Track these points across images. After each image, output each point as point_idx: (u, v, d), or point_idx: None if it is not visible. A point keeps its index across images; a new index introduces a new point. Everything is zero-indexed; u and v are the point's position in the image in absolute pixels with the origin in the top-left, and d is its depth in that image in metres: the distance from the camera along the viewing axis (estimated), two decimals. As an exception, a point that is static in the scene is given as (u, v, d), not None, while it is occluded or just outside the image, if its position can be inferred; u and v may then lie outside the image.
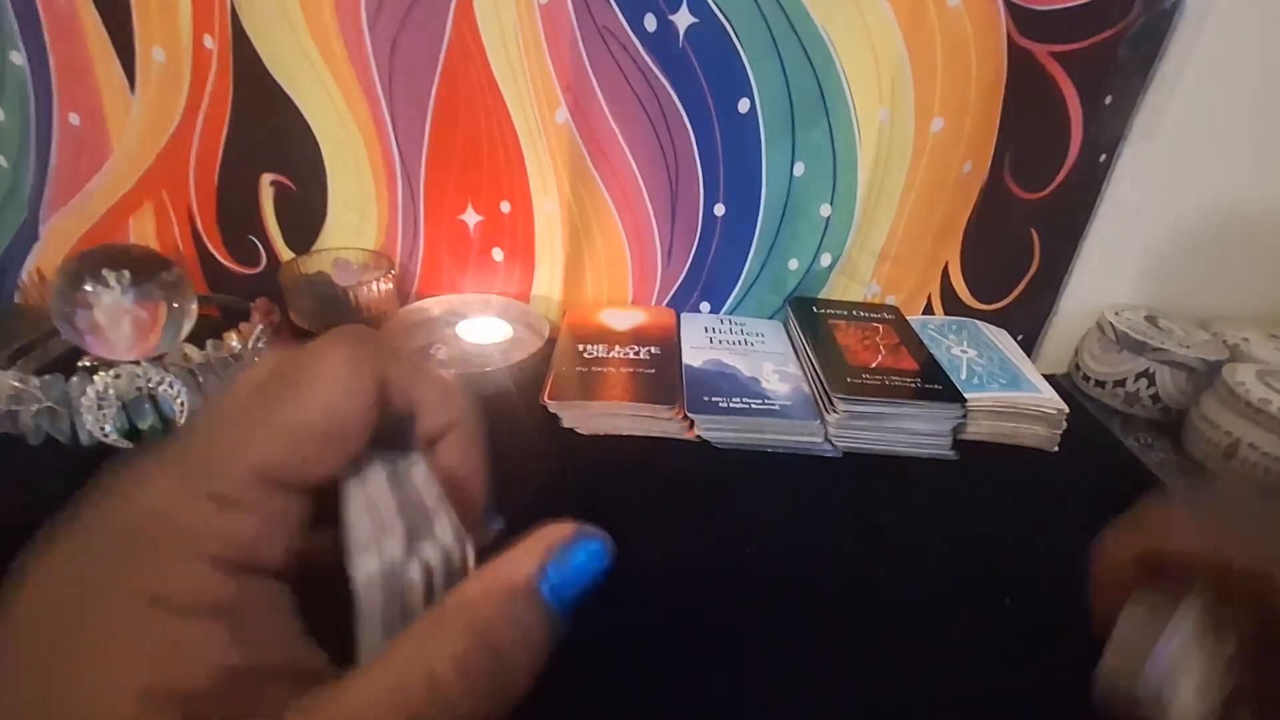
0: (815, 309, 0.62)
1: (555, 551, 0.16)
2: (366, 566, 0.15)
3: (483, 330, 0.58)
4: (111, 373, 0.44)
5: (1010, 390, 0.53)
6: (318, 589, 0.16)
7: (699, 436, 0.50)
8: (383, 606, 0.16)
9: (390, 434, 0.18)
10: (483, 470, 0.19)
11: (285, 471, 0.15)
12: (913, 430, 0.50)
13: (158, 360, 0.47)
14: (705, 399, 0.51)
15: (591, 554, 0.17)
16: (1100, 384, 0.62)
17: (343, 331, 0.17)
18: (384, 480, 0.17)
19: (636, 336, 0.58)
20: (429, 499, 0.17)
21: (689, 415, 0.50)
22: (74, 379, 0.44)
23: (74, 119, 0.54)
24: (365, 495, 0.17)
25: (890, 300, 0.65)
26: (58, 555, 0.15)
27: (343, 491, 0.17)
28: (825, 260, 0.62)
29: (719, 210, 0.59)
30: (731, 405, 0.50)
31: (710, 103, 0.54)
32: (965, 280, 0.64)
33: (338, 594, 0.16)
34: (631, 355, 0.55)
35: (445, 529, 0.17)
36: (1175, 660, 0.20)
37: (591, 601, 0.17)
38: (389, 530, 0.16)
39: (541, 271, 0.62)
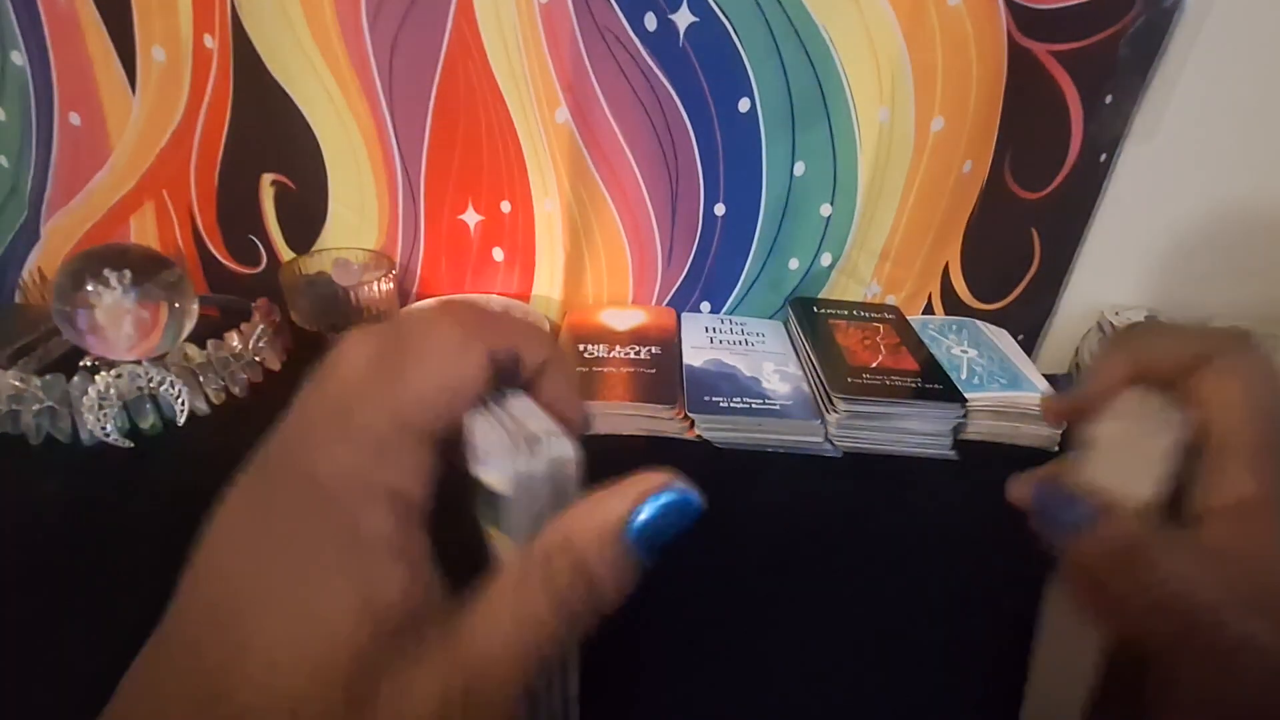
0: (815, 309, 0.62)
1: (647, 498, 0.18)
2: (503, 471, 0.18)
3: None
4: (112, 372, 0.44)
5: (1010, 390, 0.53)
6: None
7: (699, 436, 0.50)
8: (523, 505, 0.19)
9: (499, 378, 0.21)
10: (577, 389, 0.23)
11: (419, 423, 0.18)
12: (913, 430, 0.50)
13: (159, 360, 0.47)
14: (705, 399, 0.51)
15: (680, 503, 0.18)
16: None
17: (449, 305, 0.20)
18: (496, 410, 0.20)
19: (637, 336, 0.58)
20: (536, 418, 0.20)
21: (689, 415, 0.50)
22: (75, 379, 0.44)
23: (74, 119, 0.54)
24: (487, 422, 0.19)
25: (890, 300, 0.65)
26: (259, 510, 0.17)
27: (466, 424, 0.20)
28: (825, 260, 0.62)
29: (719, 210, 0.59)
30: (732, 405, 0.50)
31: (710, 102, 0.54)
32: (965, 280, 0.64)
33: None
34: (632, 355, 0.55)
35: (556, 442, 0.19)
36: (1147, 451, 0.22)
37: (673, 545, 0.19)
38: (515, 443, 0.19)
39: (542, 271, 0.62)
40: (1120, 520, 0.21)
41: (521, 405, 0.21)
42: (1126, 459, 0.22)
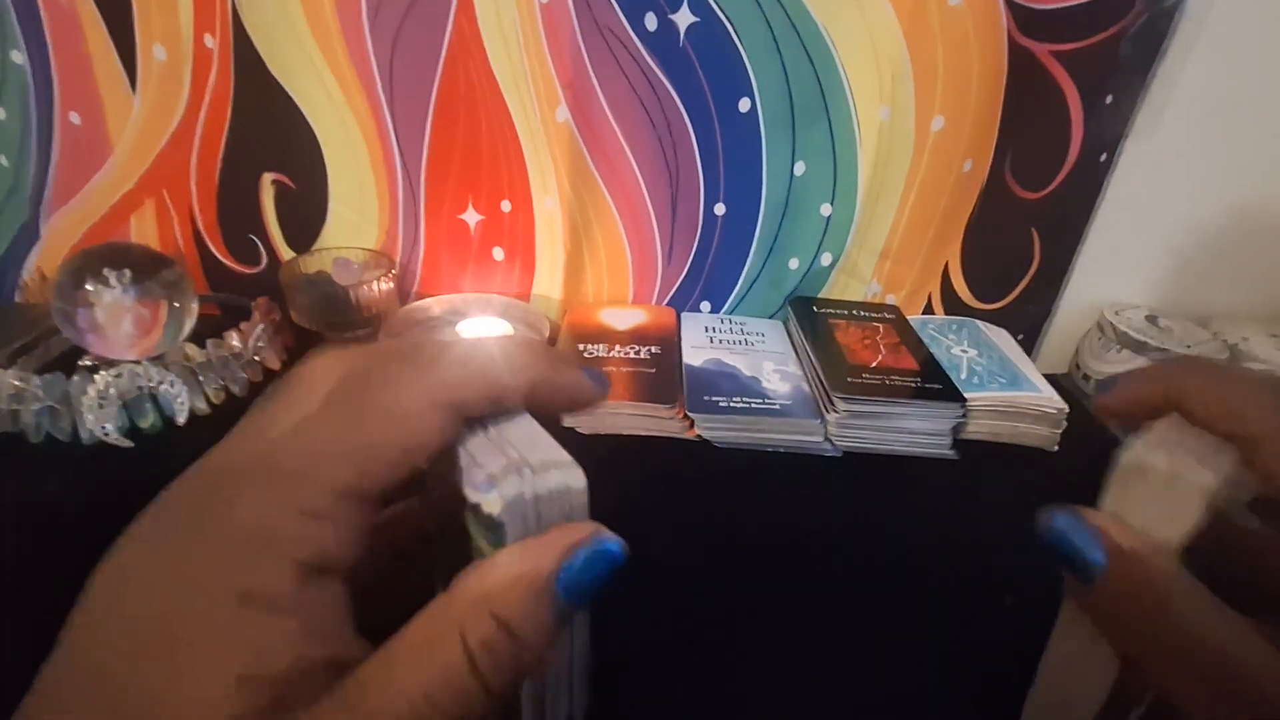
0: (815, 308, 0.62)
1: (573, 551, 0.18)
2: (500, 495, 0.18)
3: (483, 329, 0.58)
4: (112, 371, 0.44)
5: (1010, 390, 0.53)
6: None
7: (699, 436, 0.50)
8: (519, 532, 0.18)
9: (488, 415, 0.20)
10: (573, 379, 0.22)
11: (364, 488, 0.17)
12: (913, 430, 0.50)
13: (159, 359, 0.47)
14: (705, 398, 0.51)
15: (607, 556, 0.18)
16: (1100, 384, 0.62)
17: (420, 356, 0.19)
18: (496, 434, 0.19)
19: (637, 336, 0.58)
20: (539, 448, 0.19)
21: (689, 415, 0.50)
22: (75, 378, 0.44)
23: (75, 118, 0.54)
24: (484, 446, 0.19)
25: (890, 299, 0.65)
26: (160, 553, 0.16)
27: (461, 448, 0.19)
28: (826, 259, 0.62)
29: (719, 209, 0.59)
30: (732, 405, 0.50)
31: (711, 102, 0.54)
32: (965, 279, 0.64)
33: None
34: (632, 355, 0.55)
35: (559, 473, 0.19)
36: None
37: (600, 597, 0.18)
38: (513, 469, 0.18)
39: (542, 271, 0.62)
40: (1138, 565, 0.20)
41: (523, 431, 0.20)
42: (1160, 496, 0.21)
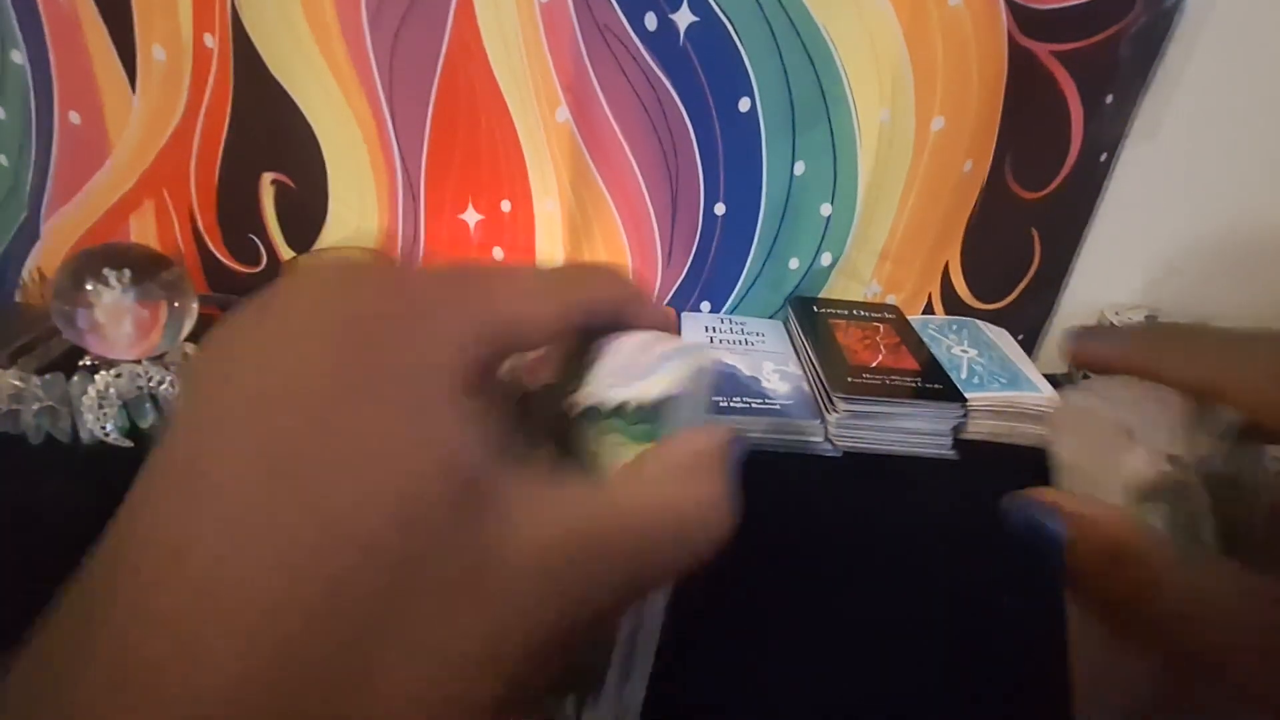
0: (816, 308, 0.62)
1: (731, 436, 0.19)
2: (672, 370, 0.19)
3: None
4: (112, 372, 0.44)
5: (1010, 390, 0.53)
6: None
7: (699, 436, 0.50)
8: (692, 402, 0.19)
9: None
10: (636, 290, 0.22)
11: (492, 326, 0.16)
12: (913, 430, 0.50)
13: (159, 359, 0.47)
14: (705, 398, 0.51)
15: (744, 443, 0.19)
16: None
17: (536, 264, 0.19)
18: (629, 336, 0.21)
19: (637, 336, 0.58)
20: (667, 338, 0.21)
21: (689, 414, 0.50)
22: (75, 378, 0.44)
23: (74, 118, 0.54)
24: (626, 343, 0.20)
25: (890, 300, 0.65)
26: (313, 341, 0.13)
27: (599, 351, 0.20)
28: (826, 260, 0.62)
29: (719, 209, 0.59)
30: (732, 405, 0.50)
31: (711, 102, 0.54)
32: (965, 280, 0.64)
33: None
34: (632, 354, 0.55)
35: (699, 352, 0.20)
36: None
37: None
38: (669, 351, 0.20)
39: (542, 271, 0.62)
40: (1099, 526, 0.19)
41: (646, 336, 0.21)
42: (1106, 451, 0.22)
